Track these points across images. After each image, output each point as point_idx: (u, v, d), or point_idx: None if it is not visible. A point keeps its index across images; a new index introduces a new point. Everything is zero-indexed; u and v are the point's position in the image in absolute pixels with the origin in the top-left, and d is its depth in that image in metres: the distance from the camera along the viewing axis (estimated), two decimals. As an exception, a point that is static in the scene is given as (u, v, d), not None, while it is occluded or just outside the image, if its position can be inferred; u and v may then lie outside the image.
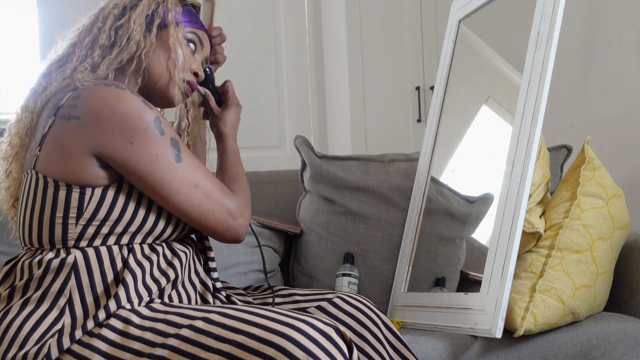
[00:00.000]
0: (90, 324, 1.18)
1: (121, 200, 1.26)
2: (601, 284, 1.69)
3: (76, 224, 1.24)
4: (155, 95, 1.38)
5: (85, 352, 1.17)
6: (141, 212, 1.27)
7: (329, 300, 1.40)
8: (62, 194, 1.24)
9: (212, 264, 1.42)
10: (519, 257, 1.67)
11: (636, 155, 2.27)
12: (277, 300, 1.46)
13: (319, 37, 3.68)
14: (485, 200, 1.87)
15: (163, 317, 1.18)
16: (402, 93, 3.47)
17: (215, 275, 1.42)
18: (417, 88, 3.45)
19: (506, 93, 1.87)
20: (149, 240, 1.30)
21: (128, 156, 1.22)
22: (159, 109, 1.33)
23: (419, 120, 3.44)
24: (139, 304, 1.22)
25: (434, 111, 2.04)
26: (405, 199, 2.00)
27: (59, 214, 1.24)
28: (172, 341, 1.14)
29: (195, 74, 1.42)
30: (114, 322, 1.19)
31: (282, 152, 3.56)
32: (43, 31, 4.20)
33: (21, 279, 1.25)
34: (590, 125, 2.44)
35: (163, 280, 1.28)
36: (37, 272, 1.23)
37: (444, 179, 2.01)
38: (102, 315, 1.19)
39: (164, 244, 1.32)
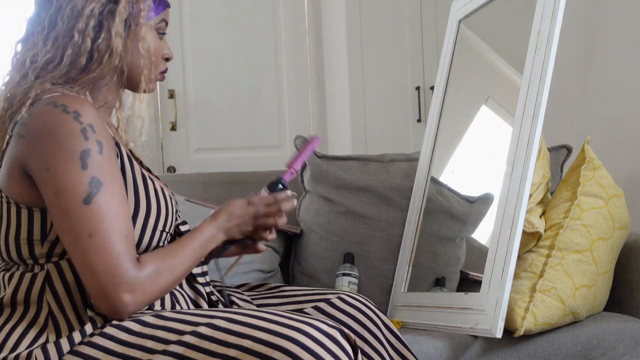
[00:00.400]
0: (77, 337, 1.15)
1: None
2: (601, 284, 1.69)
3: (42, 245, 1.20)
4: (132, 88, 1.34)
5: None
6: None
7: (327, 301, 1.39)
8: (23, 215, 1.19)
9: (196, 270, 1.36)
10: (519, 257, 1.67)
11: (636, 155, 2.27)
12: (276, 300, 1.46)
13: (319, 37, 3.68)
14: (485, 200, 1.87)
15: (163, 324, 1.15)
16: (402, 93, 3.47)
17: (201, 280, 1.36)
18: (417, 88, 3.45)
19: (506, 93, 1.87)
20: None
21: (42, 180, 1.15)
22: (107, 138, 1.19)
23: (419, 120, 3.44)
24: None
25: (434, 111, 2.04)
26: (405, 199, 2.00)
27: (23, 235, 1.20)
28: (175, 348, 1.11)
29: (167, 59, 1.37)
30: (110, 330, 1.15)
31: (282, 152, 3.56)
32: (43, 31, 4.19)
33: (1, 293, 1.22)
34: (590, 125, 2.44)
35: None
36: (13, 287, 1.20)
37: (443, 179, 2.01)
38: (89, 329, 1.16)
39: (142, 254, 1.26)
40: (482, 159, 1.95)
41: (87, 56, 1.23)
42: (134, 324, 1.16)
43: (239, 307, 1.40)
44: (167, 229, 1.29)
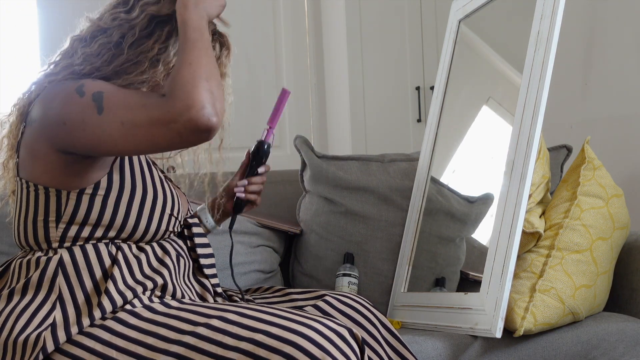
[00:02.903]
0: (86, 322, 1.19)
1: (97, 204, 1.27)
2: (601, 284, 1.69)
3: (56, 227, 1.27)
4: None
5: (91, 343, 1.18)
6: (120, 216, 1.28)
7: (324, 299, 1.40)
8: (41, 197, 1.27)
9: (209, 271, 1.42)
10: (519, 257, 1.67)
11: (636, 155, 2.27)
12: (274, 299, 1.46)
13: (319, 37, 3.68)
14: (485, 200, 1.87)
15: (176, 314, 1.19)
16: (402, 93, 3.47)
17: (215, 281, 1.42)
18: (417, 88, 3.45)
19: (506, 93, 1.87)
20: (133, 240, 1.31)
21: (68, 136, 1.22)
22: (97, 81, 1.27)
23: (419, 120, 3.44)
24: (133, 298, 1.23)
25: (434, 111, 2.04)
26: (405, 199, 2.00)
27: (40, 217, 1.27)
28: (187, 338, 1.15)
29: None
30: (122, 315, 1.20)
31: (282, 152, 3.56)
32: (43, 31, 4.20)
33: (14, 277, 1.28)
34: (590, 125, 2.44)
35: (157, 278, 1.29)
36: (29, 271, 1.26)
37: (444, 179, 2.01)
38: (97, 313, 1.20)
39: (153, 244, 1.33)
40: (483, 159, 1.95)
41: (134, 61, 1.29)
42: (146, 311, 1.20)
43: (249, 302, 1.42)
44: (175, 214, 1.35)
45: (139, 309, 1.21)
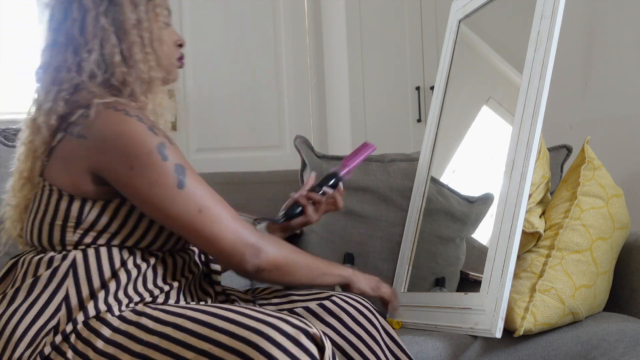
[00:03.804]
0: (80, 317, 1.20)
1: (121, 215, 1.27)
2: (601, 284, 1.69)
3: (74, 232, 1.26)
4: (163, 80, 1.39)
5: (81, 346, 1.18)
6: (140, 229, 1.28)
7: (332, 299, 1.39)
8: (64, 202, 1.26)
9: (216, 277, 1.43)
10: (519, 257, 1.67)
11: (636, 155, 2.27)
12: (275, 300, 1.46)
13: (319, 37, 3.68)
14: (485, 201, 1.87)
15: (150, 313, 1.19)
16: (402, 93, 3.47)
17: (218, 289, 1.43)
18: (417, 88, 3.45)
19: (506, 93, 1.87)
20: (148, 248, 1.31)
21: (128, 180, 1.23)
22: (165, 134, 1.29)
23: (419, 120, 3.44)
24: (128, 305, 1.23)
25: (434, 111, 2.04)
26: (405, 199, 2.00)
27: (58, 221, 1.27)
28: (153, 338, 1.15)
29: (180, 45, 1.42)
30: (95, 323, 1.20)
31: (282, 152, 3.57)
32: (43, 31, 4.19)
33: (20, 275, 1.27)
34: (590, 125, 2.44)
35: (165, 286, 1.30)
36: (38, 269, 1.25)
37: (444, 179, 2.01)
38: (91, 310, 1.20)
39: (165, 251, 1.34)
40: (483, 160, 1.95)
41: (120, 56, 1.30)
42: (116, 320, 1.20)
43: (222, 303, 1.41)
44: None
45: (127, 312, 1.21)
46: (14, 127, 1.45)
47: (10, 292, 1.25)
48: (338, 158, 2.07)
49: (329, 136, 3.68)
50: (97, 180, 1.25)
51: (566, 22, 1.64)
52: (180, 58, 1.43)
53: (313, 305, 1.39)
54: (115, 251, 1.27)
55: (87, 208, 1.26)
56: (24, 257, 1.30)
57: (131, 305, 1.23)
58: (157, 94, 1.35)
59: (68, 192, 1.26)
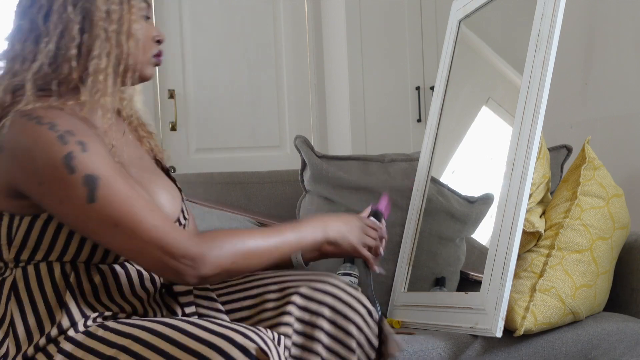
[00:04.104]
0: (30, 351, 1.13)
1: (51, 230, 1.18)
2: (601, 284, 1.69)
3: (9, 249, 1.19)
4: (128, 78, 1.27)
5: None
6: (74, 243, 1.19)
7: (300, 293, 1.28)
8: None
9: (178, 288, 1.30)
10: (519, 257, 1.67)
11: (636, 155, 2.27)
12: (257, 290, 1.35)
13: (319, 37, 3.69)
14: (485, 201, 1.87)
15: (113, 327, 1.13)
16: (402, 93, 3.47)
17: (184, 299, 1.31)
18: (417, 88, 3.45)
19: (506, 93, 1.87)
20: (92, 261, 1.22)
21: (40, 197, 1.14)
22: (85, 138, 1.14)
23: (419, 120, 3.44)
24: (85, 324, 1.16)
25: (434, 111, 2.04)
26: (405, 199, 2.00)
27: None
28: (114, 352, 1.09)
29: (158, 41, 1.31)
30: (63, 344, 1.13)
31: (282, 152, 3.57)
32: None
33: None
34: (590, 125, 2.44)
35: (114, 307, 1.21)
36: None
37: (444, 179, 2.01)
38: (42, 341, 1.14)
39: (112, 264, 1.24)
40: (483, 160, 1.95)
41: (75, 49, 1.19)
42: (83, 336, 1.13)
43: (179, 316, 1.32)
44: None
45: (79, 335, 1.14)
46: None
47: None
48: (338, 158, 2.07)
49: (329, 136, 3.68)
50: (16, 194, 1.16)
51: (566, 22, 1.64)
52: (157, 55, 1.30)
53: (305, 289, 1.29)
54: (57, 268, 1.19)
55: (15, 225, 1.18)
56: None
57: (87, 324, 1.16)
58: (114, 94, 1.22)
59: (3, 210, 1.18)
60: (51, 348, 1.13)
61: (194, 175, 2.34)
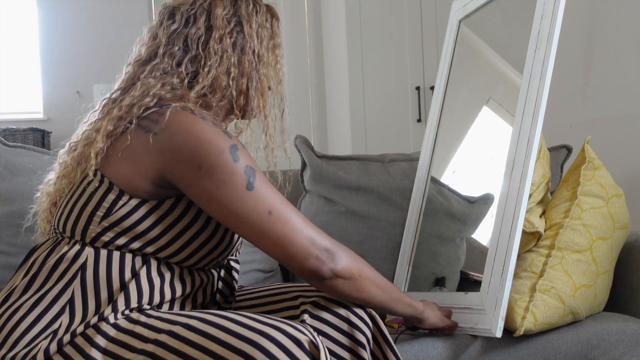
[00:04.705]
0: (79, 329, 1.18)
1: (152, 218, 1.25)
2: (601, 284, 1.69)
3: (99, 223, 1.24)
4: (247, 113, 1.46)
5: (74, 354, 1.16)
6: (165, 239, 1.25)
7: (314, 302, 1.36)
8: (101, 189, 1.25)
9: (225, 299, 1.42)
10: (519, 257, 1.67)
11: (636, 155, 2.27)
12: (273, 298, 1.44)
13: (319, 37, 3.69)
14: (485, 201, 1.87)
15: (145, 321, 1.17)
16: (402, 93, 3.47)
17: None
18: (417, 88, 3.45)
19: (506, 93, 1.87)
20: (168, 260, 1.29)
21: (195, 179, 1.21)
22: (238, 140, 1.29)
23: (419, 120, 3.44)
24: (123, 312, 1.21)
25: (434, 111, 2.04)
26: (405, 199, 2.00)
27: (89, 207, 1.25)
28: (150, 347, 1.13)
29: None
30: (103, 326, 1.18)
31: (282, 152, 3.57)
32: (43, 31, 4.20)
33: (38, 265, 1.26)
34: (590, 125, 2.44)
35: (175, 291, 1.28)
36: (49, 264, 1.24)
37: (444, 179, 2.01)
38: (93, 320, 1.19)
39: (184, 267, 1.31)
40: (483, 160, 1.95)
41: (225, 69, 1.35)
42: (112, 329, 1.18)
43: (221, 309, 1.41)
44: (220, 258, 1.35)
45: (121, 320, 1.20)
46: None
47: (23, 282, 1.24)
48: (338, 158, 2.07)
49: (329, 136, 3.68)
50: (158, 180, 1.23)
51: (566, 22, 1.64)
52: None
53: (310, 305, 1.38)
54: (129, 258, 1.25)
55: (121, 201, 1.24)
56: (39, 251, 1.29)
57: (126, 312, 1.21)
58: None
59: (109, 179, 1.24)
60: (97, 327, 1.18)
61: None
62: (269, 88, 1.46)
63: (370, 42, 3.42)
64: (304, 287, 1.43)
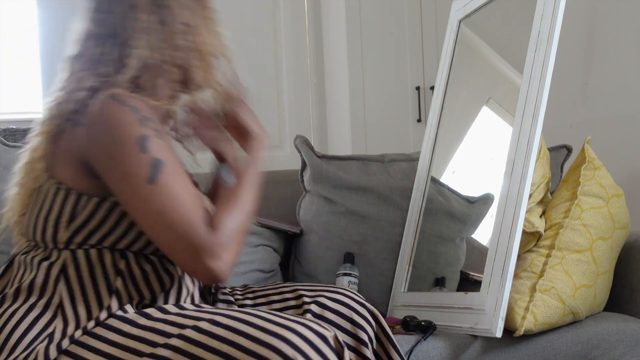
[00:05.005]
0: (78, 333, 1.17)
1: (115, 215, 1.23)
2: (601, 284, 1.69)
3: (67, 227, 1.24)
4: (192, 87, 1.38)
5: (82, 352, 1.16)
6: (135, 230, 1.24)
7: (318, 302, 1.36)
8: (59, 195, 1.24)
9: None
10: (519, 257, 1.67)
11: (636, 155, 2.27)
12: (274, 297, 1.44)
13: (319, 37, 3.69)
14: (485, 201, 1.87)
15: (152, 325, 1.16)
16: (402, 93, 3.47)
17: (221, 296, 1.40)
18: (417, 88, 3.45)
19: (506, 93, 1.87)
20: (142, 251, 1.27)
21: (105, 169, 1.20)
22: (162, 130, 1.23)
23: (419, 120, 3.44)
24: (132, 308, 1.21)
25: (434, 111, 2.05)
26: (405, 199, 2.00)
27: (52, 215, 1.24)
28: (174, 341, 1.12)
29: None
30: (113, 322, 1.18)
31: (282, 152, 3.57)
32: (43, 31, 4.20)
33: (18, 274, 1.26)
34: (590, 125, 2.44)
35: (163, 284, 1.27)
36: (32, 271, 1.24)
37: (444, 179, 2.01)
38: (91, 324, 1.18)
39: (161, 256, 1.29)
40: (483, 160, 1.95)
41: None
42: (127, 325, 1.17)
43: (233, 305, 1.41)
44: None
45: (131, 314, 1.18)
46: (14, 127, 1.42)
47: (11, 292, 1.24)
48: (338, 158, 2.07)
49: (329, 136, 3.68)
50: (89, 171, 1.22)
51: (566, 22, 1.64)
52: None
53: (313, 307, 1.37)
54: (107, 256, 1.24)
55: (81, 203, 1.23)
56: (18, 257, 1.28)
57: (132, 309, 1.21)
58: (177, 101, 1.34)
59: (66, 186, 1.24)
60: (99, 330, 1.17)
61: (193, 175, 2.34)
62: (213, 56, 1.39)
63: (370, 42, 3.42)
64: (306, 286, 1.42)
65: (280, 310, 1.40)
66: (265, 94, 3.62)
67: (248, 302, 1.45)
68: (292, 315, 1.16)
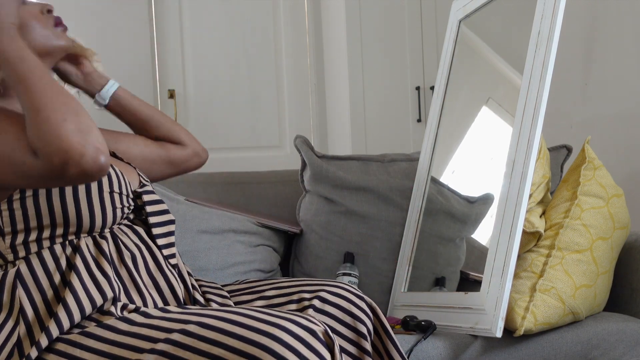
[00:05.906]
0: (44, 341, 1.14)
1: (30, 206, 1.20)
2: (601, 284, 1.69)
3: (3, 239, 1.21)
4: (49, 59, 1.33)
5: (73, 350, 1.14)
6: (57, 211, 1.20)
7: (320, 296, 1.35)
8: None
9: (161, 241, 1.33)
10: (519, 257, 1.67)
11: (636, 155, 2.27)
12: (272, 292, 1.42)
13: (319, 37, 3.69)
14: (485, 201, 1.87)
15: (136, 331, 1.13)
16: (402, 93, 3.47)
17: (167, 252, 1.34)
18: (417, 88, 3.45)
19: (506, 93, 1.87)
20: (85, 232, 1.24)
21: None
22: None
23: (419, 120, 3.44)
24: (92, 311, 1.18)
25: (434, 111, 2.05)
26: (405, 199, 2.00)
27: None
28: (161, 346, 1.10)
29: (49, 11, 1.32)
30: (92, 330, 1.15)
31: (282, 152, 3.57)
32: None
33: None
34: (590, 125, 2.44)
35: (116, 286, 1.24)
36: None
37: (444, 179, 2.01)
38: (55, 331, 1.15)
39: (108, 238, 1.26)
40: (483, 160, 1.95)
41: None
42: (121, 323, 1.15)
43: (219, 305, 1.38)
44: (116, 189, 1.28)
45: (112, 321, 1.16)
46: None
47: None
48: (338, 158, 2.07)
49: (329, 136, 3.68)
50: None
51: (566, 22, 1.64)
52: (57, 24, 1.32)
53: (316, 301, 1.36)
54: (59, 250, 1.21)
55: (5, 213, 1.20)
56: None
57: (116, 311, 1.18)
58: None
59: None
60: (79, 338, 1.14)
61: (193, 175, 2.34)
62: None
63: (370, 42, 3.42)
64: (305, 281, 1.41)
65: (278, 305, 1.40)
66: (265, 94, 3.62)
67: (247, 297, 1.43)
68: (284, 311, 1.14)
